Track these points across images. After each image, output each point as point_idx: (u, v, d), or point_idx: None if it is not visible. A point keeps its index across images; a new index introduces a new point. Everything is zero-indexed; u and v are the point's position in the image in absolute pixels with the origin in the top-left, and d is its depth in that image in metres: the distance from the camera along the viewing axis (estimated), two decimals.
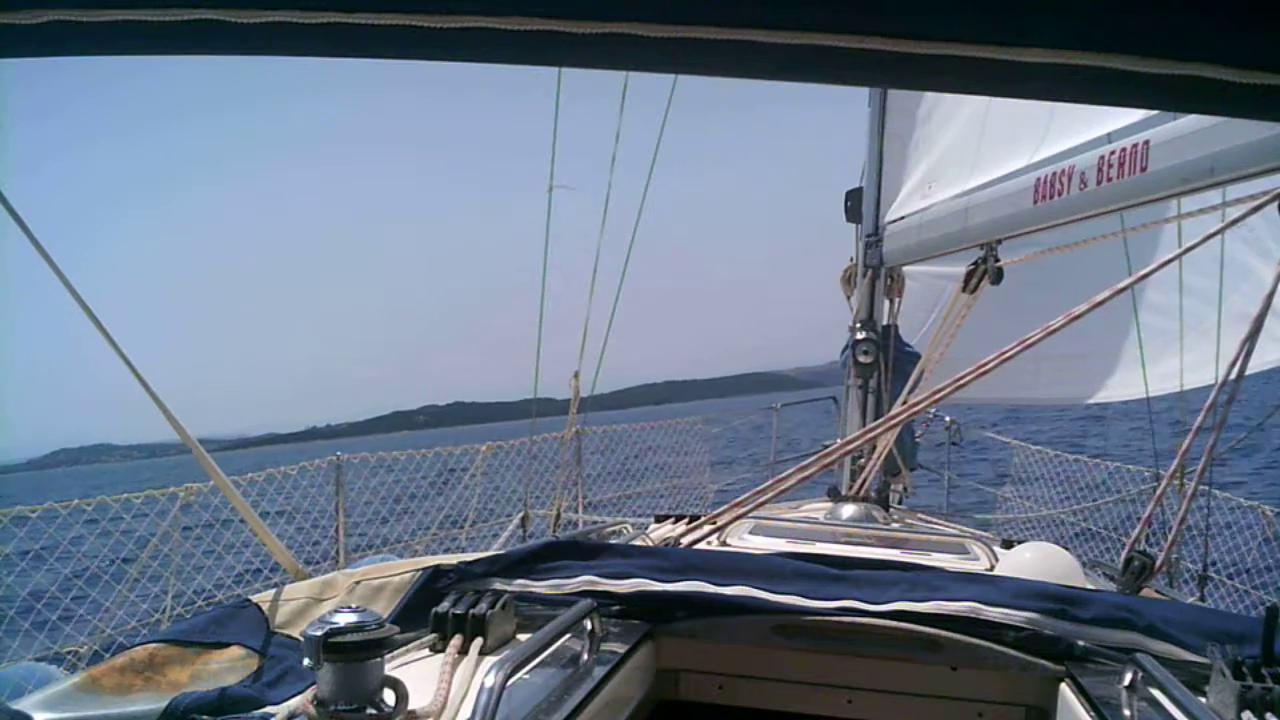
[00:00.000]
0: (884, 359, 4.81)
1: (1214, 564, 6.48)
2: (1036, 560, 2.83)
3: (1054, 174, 3.26)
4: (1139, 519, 3.00)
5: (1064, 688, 1.87)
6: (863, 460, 4.48)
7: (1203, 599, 5.96)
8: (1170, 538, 2.97)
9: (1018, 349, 2.98)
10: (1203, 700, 1.60)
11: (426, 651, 1.84)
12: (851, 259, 5.38)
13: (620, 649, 1.94)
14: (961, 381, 3.04)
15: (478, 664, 1.73)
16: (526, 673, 1.71)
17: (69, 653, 5.59)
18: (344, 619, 1.33)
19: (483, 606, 1.89)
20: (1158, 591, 3.02)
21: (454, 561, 2.21)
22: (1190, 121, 2.57)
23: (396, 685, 1.37)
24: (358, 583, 2.11)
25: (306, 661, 1.32)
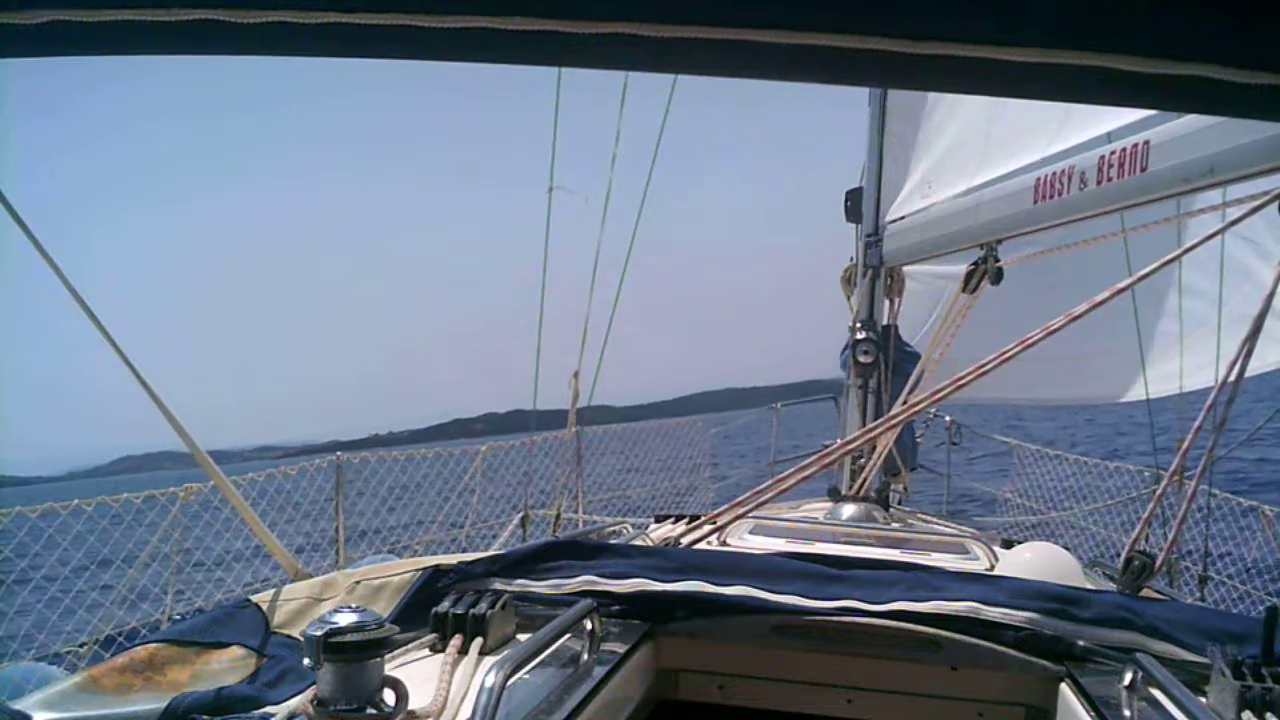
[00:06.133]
0: (884, 359, 4.81)
1: (1214, 564, 6.48)
2: (1036, 560, 2.83)
3: (1054, 174, 3.25)
4: (1139, 519, 2.99)
5: (1064, 688, 1.87)
6: (863, 460, 4.48)
7: (1203, 599, 5.97)
8: (1170, 538, 2.97)
9: (1018, 349, 2.98)
10: (1203, 700, 1.60)
11: (426, 651, 1.84)
12: (851, 259, 5.39)
13: (620, 649, 1.94)
14: (961, 381, 3.04)
15: (478, 664, 1.73)
16: (526, 673, 1.71)
17: (69, 653, 5.59)
18: (344, 619, 1.32)
19: (483, 606, 1.89)
20: (1158, 591, 3.02)
21: (454, 561, 2.21)
22: (1190, 121, 2.57)
23: (396, 685, 1.37)
24: (357, 583, 2.11)
25: (306, 661, 1.32)
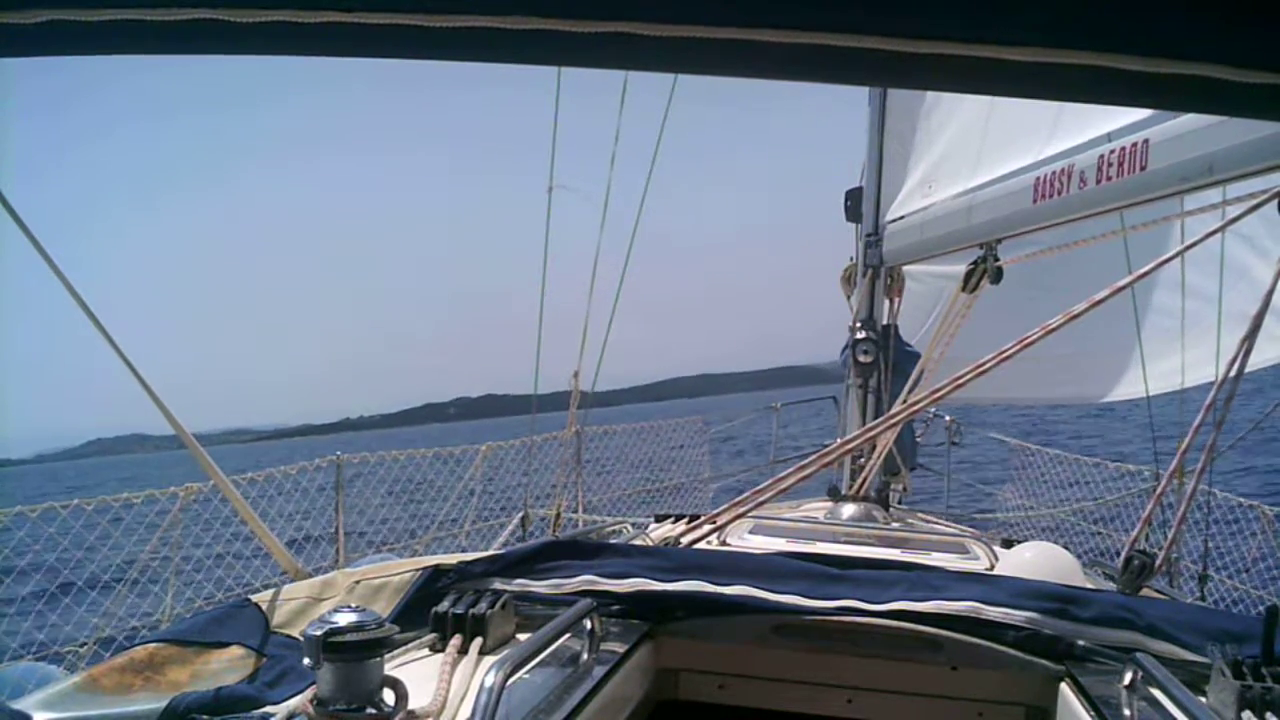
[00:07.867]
0: (884, 359, 4.81)
1: (1214, 563, 6.48)
2: (1036, 560, 2.83)
3: (1054, 173, 3.25)
4: (1139, 519, 2.99)
5: (1064, 687, 1.87)
6: (863, 460, 4.48)
7: (1203, 599, 5.96)
8: (1170, 537, 2.97)
9: (1017, 349, 2.98)
10: (1203, 700, 1.60)
11: (426, 651, 1.84)
12: (851, 258, 5.39)
13: (620, 649, 1.94)
14: (961, 381, 3.04)
15: (477, 664, 1.73)
16: (526, 672, 1.71)
17: (69, 653, 5.59)
18: (344, 618, 1.33)
19: (482, 606, 1.89)
20: (1158, 591, 3.02)
21: (454, 561, 2.21)
22: (1190, 120, 2.57)
23: (396, 685, 1.37)
24: (357, 582, 2.11)
25: (306, 661, 1.32)
